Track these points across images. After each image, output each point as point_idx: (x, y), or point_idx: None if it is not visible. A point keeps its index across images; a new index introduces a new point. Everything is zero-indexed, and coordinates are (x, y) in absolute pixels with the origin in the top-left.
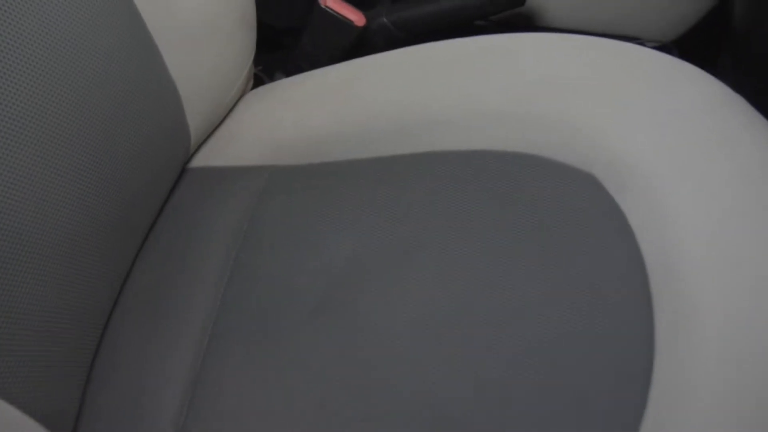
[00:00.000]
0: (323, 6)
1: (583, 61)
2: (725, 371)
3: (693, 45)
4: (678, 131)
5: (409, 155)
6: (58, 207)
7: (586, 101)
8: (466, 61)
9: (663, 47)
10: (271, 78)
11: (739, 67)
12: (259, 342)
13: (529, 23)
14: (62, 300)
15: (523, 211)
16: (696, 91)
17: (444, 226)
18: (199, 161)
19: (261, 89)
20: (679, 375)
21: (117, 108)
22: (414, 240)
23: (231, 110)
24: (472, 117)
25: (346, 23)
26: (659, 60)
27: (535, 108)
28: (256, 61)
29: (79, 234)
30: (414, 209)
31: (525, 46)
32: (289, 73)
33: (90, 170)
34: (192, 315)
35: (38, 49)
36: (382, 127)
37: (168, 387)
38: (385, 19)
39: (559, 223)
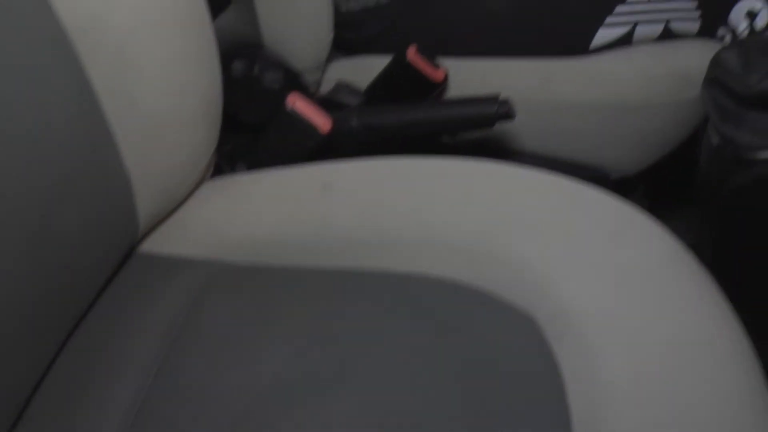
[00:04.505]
0: (290, 107)
1: (539, 199)
2: None
3: (658, 179)
4: (623, 290)
5: (351, 272)
6: None
7: (536, 243)
8: (422, 183)
9: (627, 180)
10: (233, 167)
11: (702, 212)
12: None
13: (495, 145)
14: None
15: (456, 348)
16: (647, 249)
17: (373, 355)
18: (147, 246)
19: (219, 180)
20: None
21: (60, 190)
22: (342, 366)
23: (187, 198)
24: (421, 241)
25: (311, 127)
26: (616, 209)
27: (483, 242)
28: (221, 140)
29: (2, 318)
30: (347, 332)
31: (482, 175)
32: (250, 165)
33: (23, 250)
34: (108, 414)
35: None
36: (329, 238)
37: None
38: (354, 123)
39: (490, 365)
